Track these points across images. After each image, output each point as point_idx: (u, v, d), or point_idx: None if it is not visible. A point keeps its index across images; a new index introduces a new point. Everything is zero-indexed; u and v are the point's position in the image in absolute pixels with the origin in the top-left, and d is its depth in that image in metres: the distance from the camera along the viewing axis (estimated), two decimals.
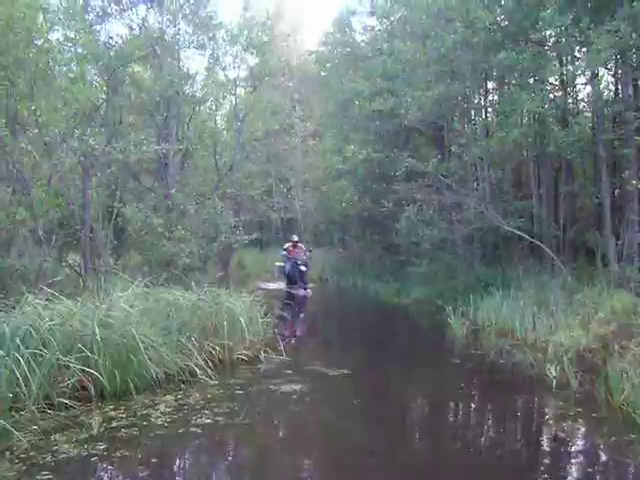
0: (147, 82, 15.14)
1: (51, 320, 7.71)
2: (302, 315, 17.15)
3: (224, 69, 19.12)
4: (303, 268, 20.91)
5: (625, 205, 13.56)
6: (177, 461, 6.27)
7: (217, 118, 21.26)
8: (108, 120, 13.72)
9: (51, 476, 5.30)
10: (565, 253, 15.50)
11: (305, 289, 20.59)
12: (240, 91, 21.20)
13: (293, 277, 21.06)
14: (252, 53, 20.00)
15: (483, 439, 6.96)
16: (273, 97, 25.04)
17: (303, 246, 22.11)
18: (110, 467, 5.71)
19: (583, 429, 6.96)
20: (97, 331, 7.64)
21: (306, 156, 31.23)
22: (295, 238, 22.10)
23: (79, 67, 12.50)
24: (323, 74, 29.10)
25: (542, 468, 5.98)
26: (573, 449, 6.52)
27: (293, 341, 12.21)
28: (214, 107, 19.84)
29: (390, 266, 21.79)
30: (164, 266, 12.91)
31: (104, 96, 13.70)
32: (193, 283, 10.89)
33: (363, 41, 26.48)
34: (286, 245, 22.07)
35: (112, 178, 14.30)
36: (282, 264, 21.90)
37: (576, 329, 9.25)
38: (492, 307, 13.31)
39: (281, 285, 21.88)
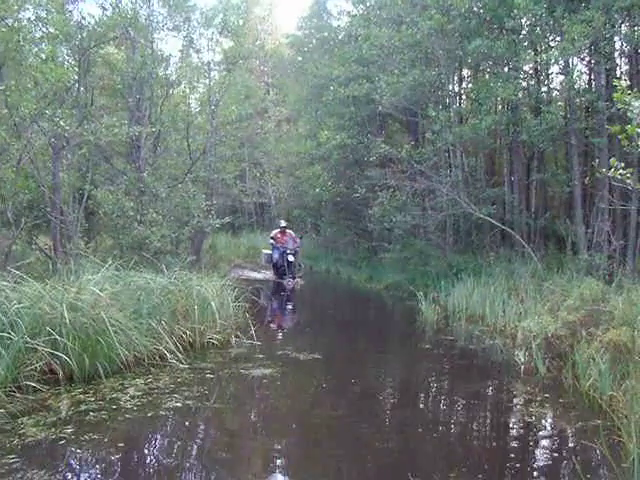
0: (120, 64, 14.93)
1: (19, 303, 7.62)
2: (276, 301, 17.13)
3: (198, 52, 18.95)
4: (291, 258, 19.33)
5: (595, 194, 13.70)
6: (147, 445, 6.24)
7: (191, 101, 21.06)
8: (80, 101, 13.52)
9: (18, 459, 5.25)
10: (536, 241, 15.68)
11: (293, 278, 19.22)
12: (214, 74, 21.04)
13: (281, 267, 19.51)
14: (227, 36, 19.85)
15: (451, 423, 7.02)
16: (247, 81, 24.90)
17: (293, 233, 20.50)
18: (78, 450, 5.66)
19: (550, 414, 7.04)
20: (66, 314, 7.56)
21: (280, 141, 31.10)
22: (283, 224, 20.55)
23: (50, 47, 12.30)
24: (298, 59, 28.99)
25: (509, 452, 6.05)
26: (540, 434, 6.60)
27: (265, 326, 12.19)
28: (188, 90, 19.66)
29: (363, 252, 21.87)
30: (135, 249, 12.78)
31: (76, 77, 13.49)
32: (164, 267, 10.84)
33: (339, 26, 26.40)
34: (273, 232, 20.55)
35: (83, 160, 14.10)
36: (269, 252, 20.49)
37: (545, 316, 9.32)
38: (463, 293, 13.40)
39: (267, 275, 20.82)
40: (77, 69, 13.40)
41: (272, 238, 20.18)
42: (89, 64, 13.59)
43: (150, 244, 13.00)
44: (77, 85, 13.34)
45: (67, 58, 14.26)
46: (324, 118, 23.59)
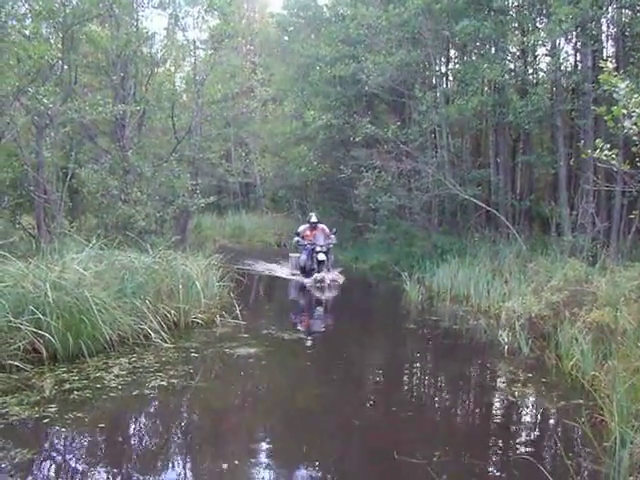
0: (104, 41, 14.76)
1: (2, 282, 7.59)
2: (261, 281, 17.10)
3: (184, 30, 18.76)
4: (322, 257, 15.79)
5: (580, 175, 13.75)
6: (131, 423, 6.26)
7: (176, 80, 20.86)
8: (63, 79, 13.38)
9: (2, 439, 5.23)
10: (520, 222, 15.74)
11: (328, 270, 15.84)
12: (200, 53, 20.85)
13: (310, 270, 16.00)
14: (213, 15, 19.62)
15: (435, 403, 7.06)
16: (233, 60, 24.69)
17: (325, 227, 16.74)
18: (63, 429, 5.66)
19: (533, 394, 7.08)
20: (50, 293, 7.53)
21: (266, 121, 30.90)
22: (314, 218, 16.78)
23: (33, 24, 12.13)
24: (285, 38, 28.76)
25: (492, 431, 6.11)
26: (523, 413, 6.67)
27: (250, 305, 12.18)
28: (173, 69, 19.47)
29: (348, 232, 21.85)
30: (120, 229, 12.74)
31: (59, 54, 13.33)
32: (149, 246, 10.79)
33: (325, 5, 26.18)
34: (300, 228, 17.17)
35: (67, 139, 14.00)
36: (297, 255, 17.02)
37: (529, 296, 9.36)
38: (448, 274, 13.48)
39: (295, 275, 17.08)
40: (60, 46, 13.24)
41: (298, 234, 16.77)
42: (73, 41, 13.43)
43: (135, 223, 12.95)
44: (61, 63, 13.18)
45: (50, 35, 14.07)
46: (310, 98, 23.48)
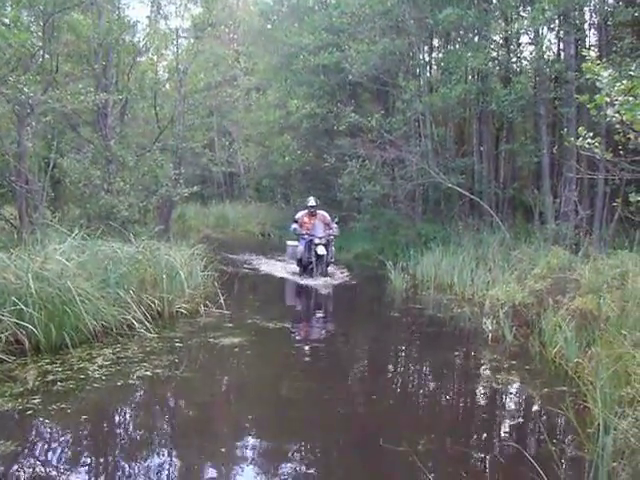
0: (86, 29, 14.62)
1: None
2: (244, 270, 17.05)
3: (166, 19, 18.69)
4: (321, 250, 14.07)
5: (563, 164, 13.82)
6: (116, 414, 6.21)
7: (159, 69, 20.74)
8: (44, 68, 13.24)
9: None
10: (504, 210, 15.82)
11: (324, 275, 14.21)
12: (182, 42, 20.74)
13: (308, 263, 14.39)
14: (195, 3, 19.55)
15: (419, 391, 7.09)
16: (216, 49, 24.58)
17: (325, 214, 15.10)
18: (47, 420, 5.62)
19: (517, 380, 7.12)
20: (32, 284, 7.47)
21: (249, 110, 30.80)
22: (312, 202, 15.00)
23: (14, 12, 11.99)
24: (268, 27, 28.62)
25: (476, 418, 6.14)
26: (507, 400, 6.70)
27: (234, 294, 12.14)
28: (155, 58, 19.38)
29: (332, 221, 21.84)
30: (103, 219, 12.65)
31: (40, 43, 13.20)
32: (132, 236, 10.74)
33: None
34: (298, 214, 15.24)
35: (49, 128, 13.87)
36: (295, 243, 15.27)
37: (512, 284, 9.42)
38: (432, 262, 13.54)
39: (289, 269, 15.66)
40: (42, 35, 13.11)
41: (295, 222, 14.90)
42: (54, 30, 13.28)
43: (117, 213, 12.89)
44: (42, 51, 13.05)
45: (31, 23, 13.91)
46: (294, 87, 23.37)
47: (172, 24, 19.08)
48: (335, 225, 14.66)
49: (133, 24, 16.85)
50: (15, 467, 4.71)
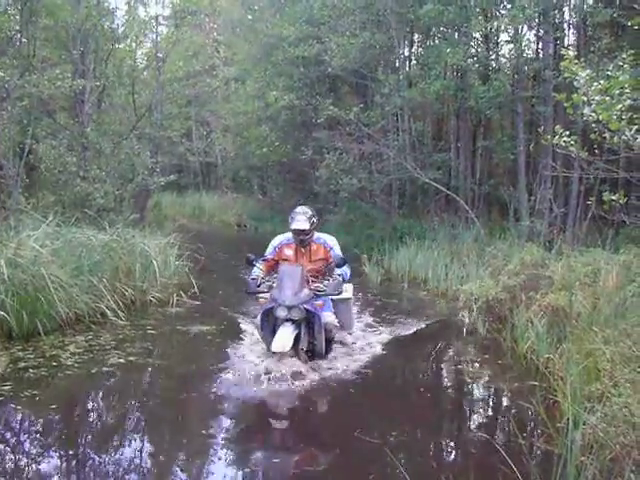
0: (64, 14, 14.46)
1: None
2: (219, 262, 16.95)
3: (146, 5, 18.59)
4: (285, 334, 6.51)
5: (539, 162, 13.94)
6: (89, 400, 6.20)
7: (137, 56, 20.58)
8: (22, 52, 13.12)
9: None
10: (479, 207, 15.92)
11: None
12: (162, 29, 20.63)
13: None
14: None
15: (391, 383, 7.12)
16: (196, 38, 24.43)
17: (328, 241, 7.63)
18: (18, 407, 5.61)
19: (488, 374, 7.20)
20: (4, 270, 7.42)
21: (228, 100, 30.66)
22: (300, 223, 7.21)
23: None
24: (249, 17, 28.52)
25: (447, 411, 6.21)
26: (477, 393, 6.78)
27: (207, 284, 12.08)
28: (134, 45, 19.23)
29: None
30: (77, 206, 12.55)
31: (18, 27, 13.06)
32: (107, 224, 10.69)
33: None
34: (275, 242, 7.64)
35: (24, 113, 13.71)
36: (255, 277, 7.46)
37: (486, 280, 9.48)
38: (407, 257, 13.58)
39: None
40: (19, 18, 12.97)
41: (264, 260, 7.43)
42: (32, 14, 13.15)
43: (93, 201, 12.80)
44: (19, 35, 12.92)
45: (9, 7, 13.76)
46: (273, 78, 23.27)
47: (152, 11, 19.05)
48: (341, 271, 7.28)
49: (112, 10, 16.72)
50: None
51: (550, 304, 7.39)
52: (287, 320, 6.65)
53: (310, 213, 7.36)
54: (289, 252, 7.42)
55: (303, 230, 7.22)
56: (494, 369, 7.30)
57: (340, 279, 7.19)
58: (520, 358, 7.32)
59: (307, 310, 6.71)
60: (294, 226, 7.23)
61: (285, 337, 6.44)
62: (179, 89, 18.77)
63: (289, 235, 7.48)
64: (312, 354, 7.02)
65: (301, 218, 7.26)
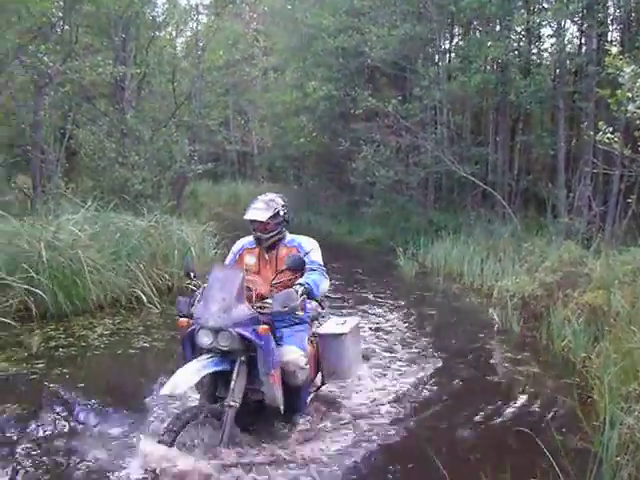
0: (106, 1, 14.60)
1: None
2: None
3: None
4: (211, 365, 4.40)
5: (579, 158, 13.75)
6: (114, 379, 6.39)
7: (177, 45, 20.69)
8: (64, 39, 13.26)
9: None
10: (517, 202, 15.73)
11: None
12: (202, 18, 20.71)
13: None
14: None
15: (425, 375, 7.06)
16: (236, 27, 24.47)
17: (303, 244, 5.28)
18: (50, 384, 5.79)
19: (524, 371, 7.12)
20: (44, 252, 7.55)
21: (266, 90, 30.73)
22: (259, 212, 5.10)
23: None
24: (289, 7, 28.49)
25: (484, 404, 6.14)
26: (514, 389, 6.69)
27: None
28: (174, 33, 19.33)
29: (344, 205, 21.79)
30: (116, 192, 12.68)
31: (60, 13, 13.20)
32: (145, 210, 10.78)
33: None
34: (235, 248, 5.58)
35: (66, 99, 13.88)
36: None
37: (522, 276, 9.40)
38: (442, 251, 13.51)
39: None
40: (62, 4, 13.11)
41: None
42: (75, 0, 13.28)
43: (131, 187, 12.93)
44: (62, 22, 13.06)
45: None
46: (312, 68, 23.25)
47: (192, 0, 19.09)
48: (308, 280, 4.80)
49: None
50: (21, 429, 4.79)
51: (588, 302, 7.30)
52: (210, 352, 4.50)
53: (276, 201, 5.28)
54: (251, 260, 5.33)
55: (261, 222, 5.08)
56: (531, 366, 7.22)
57: (299, 290, 4.65)
58: (556, 356, 7.26)
59: (242, 337, 4.44)
60: (248, 215, 5.16)
61: (188, 373, 4.28)
62: (218, 78, 18.81)
63: (249, 239, 5.46)
64: (263, 410, 4.80)
65: (259, 205, 5.19)
